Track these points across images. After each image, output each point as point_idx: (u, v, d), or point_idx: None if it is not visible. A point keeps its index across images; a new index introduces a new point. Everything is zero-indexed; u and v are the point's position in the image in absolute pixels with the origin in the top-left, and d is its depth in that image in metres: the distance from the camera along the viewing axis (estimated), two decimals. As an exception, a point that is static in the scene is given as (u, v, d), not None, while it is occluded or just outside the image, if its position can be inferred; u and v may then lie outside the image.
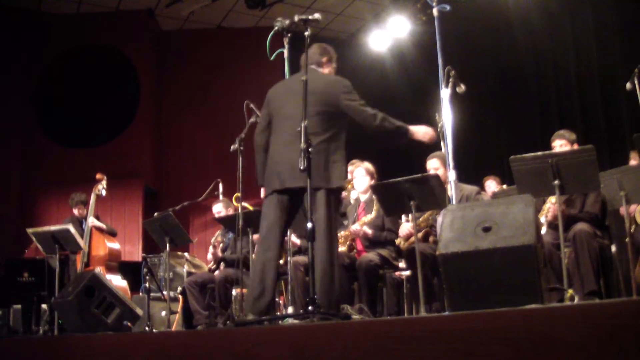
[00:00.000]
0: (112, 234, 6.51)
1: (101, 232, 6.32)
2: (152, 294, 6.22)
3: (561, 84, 7.05)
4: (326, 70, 3.69)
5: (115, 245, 6.32)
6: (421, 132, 3.59)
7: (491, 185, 6.20)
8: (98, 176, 6.42)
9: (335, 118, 3.47)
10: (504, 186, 5.22)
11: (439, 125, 4.07)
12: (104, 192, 6.43)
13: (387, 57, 8.72)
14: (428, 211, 4.36)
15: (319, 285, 3.17)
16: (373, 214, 4.67)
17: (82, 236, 6.06)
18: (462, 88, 3.91)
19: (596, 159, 3.56)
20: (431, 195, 3.90)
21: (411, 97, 8.59)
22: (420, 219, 4.39)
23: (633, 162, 4.59)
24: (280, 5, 8.77)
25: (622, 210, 4.18)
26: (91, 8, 8.93)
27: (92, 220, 6.26)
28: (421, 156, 4.71)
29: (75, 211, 6.55)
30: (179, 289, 6.22)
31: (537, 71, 7.39)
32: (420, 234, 4.32)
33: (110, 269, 6.15)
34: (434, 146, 4.21)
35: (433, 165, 4.49)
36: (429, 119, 4.18)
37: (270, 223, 3.42)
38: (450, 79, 3.88)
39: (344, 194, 4.55)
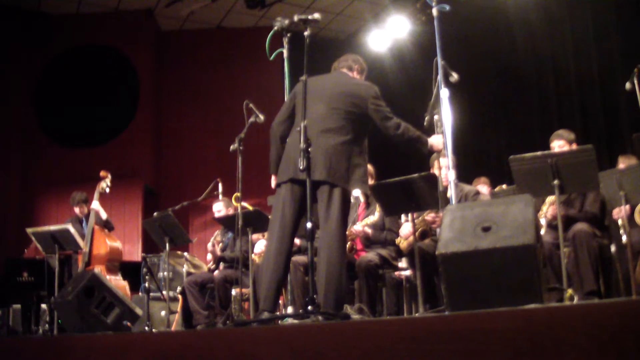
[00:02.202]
0: (110, 226, 6.51)
1: (102, 229, 6.31)
2: (151, 294, 6.23)
3: (561, 84, 7.05)
4: (356, 76, 3.77)
5: (116, 244, 6.31)
6: (437, 142, 3.71)
7: (482, 189, 5.95)
8: (102, 173, 6.41)
9: (359, 121, 3.50)
10: (504, 186, 5.19)
11: (427, 118, 4.02)
12: (107, 190, 6.41)
13: (387, 57, 8.72)
14: (427, 211, 4.35)
15: (327, 285, 3.18)
16: (376, 216, 4.67)
17: (83, 236, 6.05)
18: (454, 77, 3.88)
19: (595, 159, 3.56)
20: (430, 194, 3.90)
21: (411, 96, 8.58)
22: (419, 218, 4.39)
23: (622, 166, 4.59)
24: (279, 5, 8.77)
25: (615, 213, 4.17)
26: (91, 8, 8.93)
27: (96, 205, 6.25)
28: (419, 157, 4.71)
29: (77, 210, 6.53)
30: (179, 288, 6.22)
31: (536, 71, 7.39)
32: (416, 233, 4.32)
33: (110, 270, 6.14)
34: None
35: (440, 163, 4.46)
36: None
37: (282, 212, 3.39)
38: (440, 70, 3.86)
39: None
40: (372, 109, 3.51)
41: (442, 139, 3.72)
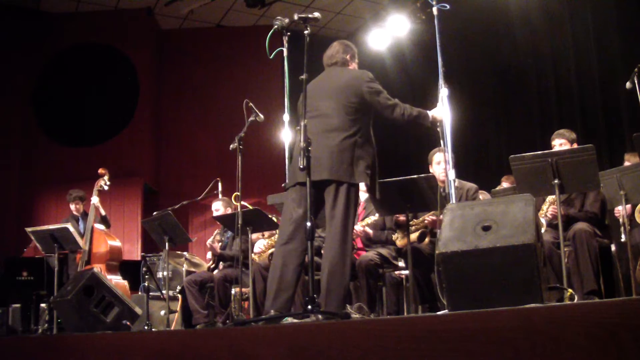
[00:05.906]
0: (107, 223, 6.50)
1: (101, 223, 6.30)
2: (151, 293, 6.22)
3: (561, 83, 7.05)
4: (352, 66, 3.74)
5: (116, 243, 6.30)
6: (438, 114, 3.67)
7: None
8: (100, 171, 6.40)
9: (360, 111, 3.47)
10: (504, 185, 5.19)
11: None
12: (106, 187, 6.40)
13: (387, 56, 8.72)
14: (425, 212, 4.34)
15: (329, 285, 3.18)
16: (377, 215, 4.66)
17: (80, 234, 6.04)
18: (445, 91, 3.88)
19: (596, 158, 3.56)
20: (427, 195, 3.90)
21: (411, 96, 8.58)
22: (419, 219, 4.39)
23: (627, 163, 4.59)
24: (279, 4, 8.76)
25: (617, 211, 4.18)
26: (90, 7, 8.93)
27: (96, 200, 6.24)
28: (418, 157, 4.71)
29: (72, 206, 6.52)
30: (178, 288, 6.22)
31: (536, 70, 7.38)
32: (415, 235, 4.31)
33: (110, 269, 6.13)
34: (433, 144, 4.22)
35: (440, 158, 4.44)
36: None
37: (289, 215, 3.40)
38: (440, 70, 3.85)
39: None
40: (367, 91, 3.49)
41: (442, 110, 3.69)
